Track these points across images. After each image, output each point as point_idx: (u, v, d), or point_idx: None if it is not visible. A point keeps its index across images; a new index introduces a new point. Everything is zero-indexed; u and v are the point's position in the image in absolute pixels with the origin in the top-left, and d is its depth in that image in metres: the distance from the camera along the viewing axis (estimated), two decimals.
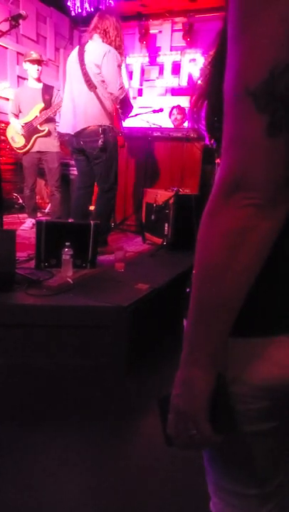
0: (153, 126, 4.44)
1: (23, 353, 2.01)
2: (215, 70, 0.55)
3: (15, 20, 2.48)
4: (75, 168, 3.76)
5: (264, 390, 0.53)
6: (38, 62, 3.84)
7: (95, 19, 2.89)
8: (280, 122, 0.41)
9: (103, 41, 2.82)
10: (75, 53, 2.90)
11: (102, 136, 2.79)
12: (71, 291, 2.20)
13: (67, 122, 2.93)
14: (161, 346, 2.38)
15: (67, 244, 2.37)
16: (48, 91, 3.88)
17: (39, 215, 4.41)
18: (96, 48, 2.79)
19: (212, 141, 0.61)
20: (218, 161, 0.61)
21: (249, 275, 0.46)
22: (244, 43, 0.42)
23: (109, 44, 2.81)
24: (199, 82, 0.63)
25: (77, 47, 2.94)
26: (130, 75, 6.25)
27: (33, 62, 3.82)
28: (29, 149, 3.93)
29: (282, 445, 0.60)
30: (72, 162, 4.02)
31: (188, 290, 0.57)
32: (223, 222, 0.45)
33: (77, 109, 2.85)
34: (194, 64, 5.91)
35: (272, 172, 0.42)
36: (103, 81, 2.80)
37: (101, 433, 1.64)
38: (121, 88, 2.82)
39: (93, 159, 2.96)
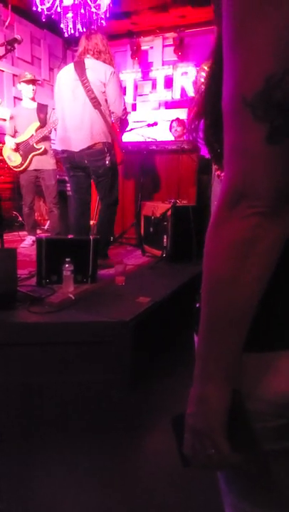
0: (148, 139, 4.51)
1: (26, 371, 2.01)
2: (211, 83, 0.55)
3: (10, 44, 2.55)
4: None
5: (280, 406, 0.51)
6: (33, 81, 3.92)
7: (83, 41, 2.91)
8: (279, 130, 0.41)
9: (99, 60, 2.86)
10: (71, 71, 2.86)
11: (107, 154, 2.85)
12: (73, 306, 2.20)
13: (66, 139, 2.92)
14: (165, 359, 2.38)
15: (67, 260, 2.38)
16: (42, 110, 3.95)
17: (39, 231, 4.45)
18: (99, 67, 2.82)
19: (211, 154, 0.62)
20: (218, 173, 0.62)
21: (258, 285, 0.46)
22: (239, 54, 0.42)
23: (104, 62, 2.86)
24: (195, 96, 0.64)
25: (71, 65, 2.90)
26: (124, 90, 6.36)
27: (28, 82, 3.90)
28: (26, 167, 3.98)
29: None
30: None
31: (197, 305, 0.57)
32: (228, 233, 0.45)
33: (81, 126, 2.83)
34: (186, 77, 6.03)
35: (274, 180, 0.42)
36: (106, 99, 2.85)
37: (107, 450, 1.63)
38: (124, 109, 2.90)
39: (98, 177, 2.99)
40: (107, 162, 2.85)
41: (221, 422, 0.49)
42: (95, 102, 2.80)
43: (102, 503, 1.37)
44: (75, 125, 2.85)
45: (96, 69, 2.80)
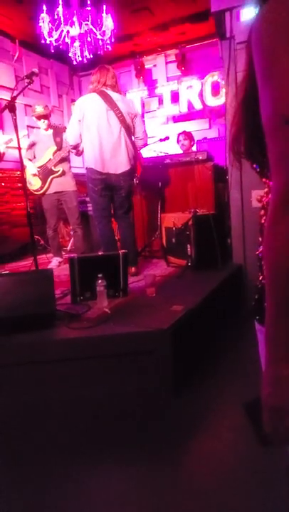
0: (160, 154, 4.62)
1: (70, 386, 2.07)
2: (246, 106, 0.66)
3: (29, 78, 2.70)
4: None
5: None
6: (44, 116, 4.06)
7: (98, 74, 3.16)
8: None
9: (116, 91, 3.16)
10: (98, 101, 3.09)
11: (134, 174, 3.28)
12: (110, 320, 2.27)
13: (105, 163, 3.12)
14: (205, 364, 2.41)
15: (99, 276, 2.46)
16: (58, 133, 4.10)
17: (63, 253, 4.56)
18: (127, 100, 3.29)
19: (254, 165, 0.70)
20: (264, 180, 0.70)
21: None
22: (273, 80, 0.53)
23: (118, 92, 3.18)
24: (231, 117, 0.73)
25: (95, 95, 3.10)
26: None
27: (39, 118, 4.06)
28: (46, 190, 4.12)
29: None
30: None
31: (256, 296, 0.65)
32: (284, 230, 0.53)
33: (119, 152, 3.15)
34: (192, 90, 6.16)
35: None
36: (132, 127, 3.23)
37: (157, 460, 1.66)
38: (146, 136, 3.40)
39: (128, 193, 3.30)
40: (135, 181, 3.21)
41: None
42: (128, 130, 3.19)
43: (157, 505, 1.40)
44: (114, 150, 3.13)
45: (125, 102, 3.21)
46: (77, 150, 3.40)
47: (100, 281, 2.44)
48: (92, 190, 3.21)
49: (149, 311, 2.41)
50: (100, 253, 2.85)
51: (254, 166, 0.70)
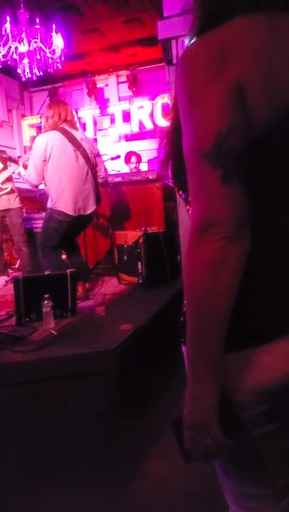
0: (112, 172, 4.64)
1: (17, 411, 1.97)
2: (174, 136, 0.68)
3: None
4: (38, 222, 4.05)
5: (260, 395, 0.60)
6: None
7: (56, 108, 3.07)
8: (231, 173, 0.55)
9: (75, 130, 3.12)
10: (63, 141, 2.98)
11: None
12: (56, 342, 2.21)
13: (78, 205, 3.04)
14: (154, 382, 2.40)
15: (46, 296, 2.40)
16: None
17: (10, 271, 4.41)
18: (89, 140, 3.32)
19: (180, 192, 0.72)
20: (188, 207, 0.72)
21: (231, 294, 0.56)
22: (194, 117, 0.57)
23: (77, 129, 3.19)
24: (161, 142, 0.75)
25: (59, 134, 2.98)
26: (83, 126, 6.54)
27: None
28: None
29: (287, 445, 0.67)
30: (35, 215, 4.33)
31: (182, 319, 0.66)
32: (202, 256, 0.56)
33: (88, 193, 3.13)
34: (143, 110, 6.29)
35: (232, 211, 0.55)
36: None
37: (107, 481, 1.62)
38: (107, 173, 3.51)
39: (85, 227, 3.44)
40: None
41: (213, 415, 0.58)
42: (93, 170, 3.20)
43: None
44: (84, 192, 3.09)
45: (88, 141, 3.25)
46: (38, 188, 3.34)
47: (46, 301, 2.38)
48: (54, 230, 3.05)
49: (97, 331, 2.37)
50: (46, 272, 2.78)
51: (180, 192, 0.72)
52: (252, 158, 0.57)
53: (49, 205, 3.09)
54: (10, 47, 4.09)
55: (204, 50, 0.57)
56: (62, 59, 4.40)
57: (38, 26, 4.11)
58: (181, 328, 0.66)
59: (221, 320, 0.57)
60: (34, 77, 4.36)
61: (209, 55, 0.55)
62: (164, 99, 6.14)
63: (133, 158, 5.03)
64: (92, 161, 3.16)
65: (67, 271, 2.60)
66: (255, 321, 0.62)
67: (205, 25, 0.61)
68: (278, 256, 0.62)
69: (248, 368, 0.60)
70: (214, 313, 0.57)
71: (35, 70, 4.29)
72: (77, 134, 3.12)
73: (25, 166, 3.55)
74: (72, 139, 3.03)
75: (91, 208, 3.17)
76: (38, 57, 4.19)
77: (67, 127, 3.05)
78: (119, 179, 4.25)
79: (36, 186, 3.23)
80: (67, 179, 3.00)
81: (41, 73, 4.41)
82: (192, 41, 0.63)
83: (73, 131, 3.08)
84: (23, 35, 4.00)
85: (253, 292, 0.61)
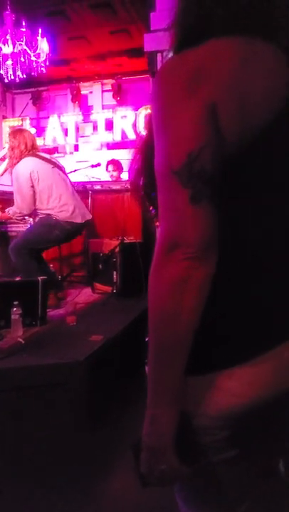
0: (92, 179, 4.62)
1: None
2: (146, 151, 0.66)
3: None
4: (12, 226, 3.98)
5: (224, 420, 0.59)
6: None
7: (20, 138, 3.06)
8: (200, 193, 0.53)
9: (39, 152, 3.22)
10: (40, 162, 3.06)
11: None
12: (24, 351, 2.14)
13: (80, 212, 3.17)
14: (122, 396, 2.36)
15: (15, 303, 2.33)
16: None
17: None
18: (55, 158, 3.53)
19: (150, 208, 0.71)
20: (157, 223, 0.71)
21: (194, 315, 0.55)
22: (166, 134, 0.55)
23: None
24: (134, 157, 0.74)
25: (38, 161, 3.06)
26: (65, 131, 6.50)
27: None
28: None
29: (247, 471, 0.65)
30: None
31: (146, 339, 0.64)
32: (167, 275, 0.54)
33: (81, 201, 3.33)
34: (126, 120, 6.31)
35: (200, 232, 0.53)
36: None
37: (71, 496, 1.56)
38: None
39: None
40: None
41: (170, 439, 0.56)
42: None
43: None
44: (79, 200, 3.28)
45: (55, 159, 3.41)
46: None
47: (15, 308, 2.31)
48: (55, 237, 3.11)
49: (66, 341, 2.32)
50: (17, 279, 2.71)
51: (150, 208, 0.70)
52: (225, 178, 0.56)
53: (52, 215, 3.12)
54: None
55: (180, 68, 0.56)
56: (47, 63, 4.38)
57: (23, 29, 4.09)
58: (147, 347, 0.64)
59: (184, 342, 0.55)
60: (17, 79, 4.31)
61: (185, 74, 0.55)
62: (148, 110, 6.17)
63: (114, 167, 5.02)
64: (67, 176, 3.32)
65: (39, 278, 2.54)
66: (221, 344, 0.60)
67: (183, 42, 0.60)
68: (246, 279, 0.61)
69: (212, 392, 0.58)
70: (176, 334, 0.55)
71: (19, 73, 4.25)
72: (45, 155, 3.27)
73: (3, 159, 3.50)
74: (45, 159, 3.15)
75: (88, 215, 3.32)
76: (22, 59, 4.15)
77: (34, 152, 3.12)
78: (98, 187, 4.23)
79: (30, 215, 3.24)
80: (65, 193, 3.10)
81: (25, 76, 4.37)
82: (169, 57, 0.63)
83: (40, 154, 3.20)
84: (8, 37, 3.96)
85: (218, 314, 0.59)
